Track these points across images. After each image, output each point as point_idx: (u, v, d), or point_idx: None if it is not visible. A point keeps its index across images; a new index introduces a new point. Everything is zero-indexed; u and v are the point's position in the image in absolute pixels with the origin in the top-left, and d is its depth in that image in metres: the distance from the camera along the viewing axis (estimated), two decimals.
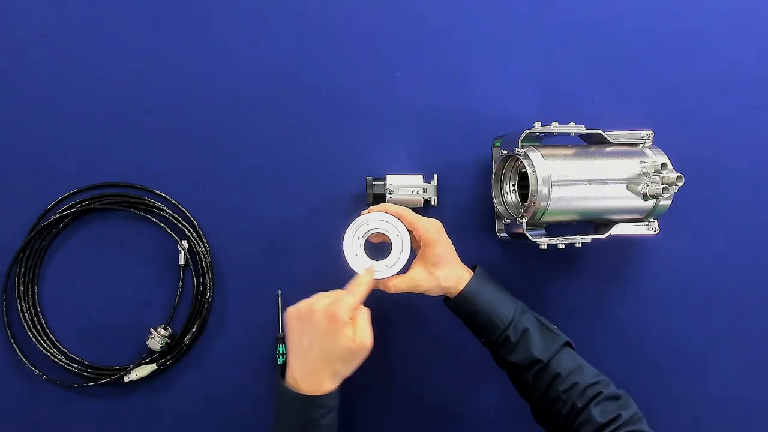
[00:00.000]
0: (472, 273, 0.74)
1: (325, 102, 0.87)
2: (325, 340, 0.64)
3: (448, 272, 0.72)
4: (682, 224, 0.86)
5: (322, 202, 0.86)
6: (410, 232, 0.73)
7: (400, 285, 0.71)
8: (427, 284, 0.72)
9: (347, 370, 0.66)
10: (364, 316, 0.67)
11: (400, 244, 0.72)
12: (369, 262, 0.72)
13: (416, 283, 0.71)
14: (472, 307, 0.72)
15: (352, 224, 0.73)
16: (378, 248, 0.75)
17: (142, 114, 0.86)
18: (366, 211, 0.74)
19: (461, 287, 0.72)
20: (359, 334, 0.65)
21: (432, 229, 0.72)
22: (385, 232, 0.73)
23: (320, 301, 0.66)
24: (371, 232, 0.73)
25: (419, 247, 0.74)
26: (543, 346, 0.71)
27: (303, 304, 0.67)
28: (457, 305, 0.73)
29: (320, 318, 0.64)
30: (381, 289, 0.72)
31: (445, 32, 0.87)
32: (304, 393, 0.64)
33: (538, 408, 0.72)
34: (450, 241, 0.75)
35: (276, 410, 0.67)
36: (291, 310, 0.67)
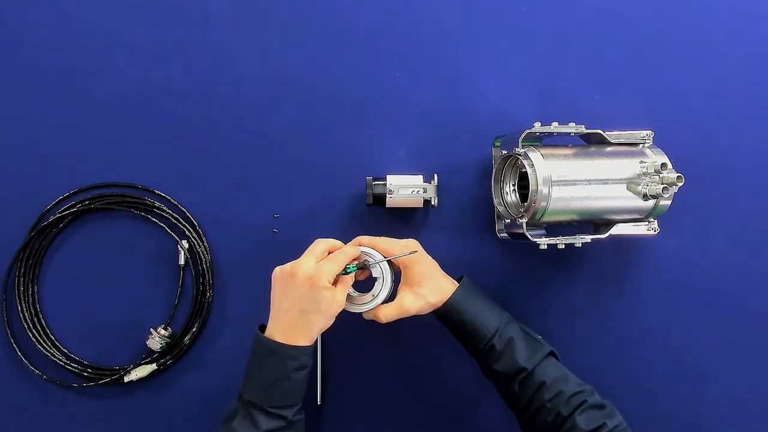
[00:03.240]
0: (458, 284, 0.75)
1: (325, 102, 0.87)
2: (304, 301, 0.69)
3: (432, 287, 0.73)
4: (682, 224, 0.86)
5: (322, 202, 0.86)
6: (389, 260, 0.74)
7: (390, 313, 0.72)
8: (417, 306, 0.72)
9: (321, 326, 0.70)
10: (344, 285, 0.72)
11: (380, 271, 0.73)
12: (357, 296, 0.73)
13: (405, 308, 0.72)
14: (459, 316, 0.73)
15: None
16: (368, 283, 0.75)
17: (142, 114, 0.86)
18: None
19: (447, 298, 0.73)
20: (337, 298, 0.70)
21: (407, 250, 0.73)
22: (365, 264, 0.74)
23: (304, 265, 0.69)
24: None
25: (400, 269, 0.75)
26: (528, 354, 0.72)
27: (288, 267, 0.70)
28: (443, 314, 0.74)
29: (301, 282, 0.68)
30: (373, 320, 0.73)
31: (445, 32, 0.87)
32: (279, 342, 0.68)
33: (525, 417, 0.73)
34: (429, 257, 0.75)
35: (249, 362, 0.71)
36: (276, 271, 0.72)
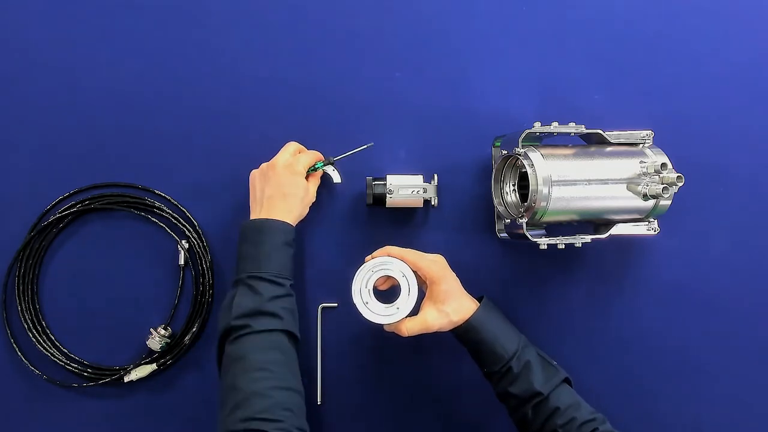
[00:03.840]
0: (478, 303, 0.75)
1: (325, 102, 0.87)
2: (284, 184, 0.77)
3: (456, 306, 0.73)
4: (682, 224, 0.86)
5: (322, 202, 0.86)
6: (415, 272, 0.73)
7: (413, 328, 0.72)
8: (440, 323, 0.72)
9: (299, 211, 0.79)
10: (315, 179, 0.83)
11: (407, 284, 0.73)
12: (380, 307, 0.73)
13: (428, 324, 0.72)
14: (478, 336, 0.73)
15: (357, 274, 0.73)
16: (388, 293, 0.75)
17: (143, 114, 0.86)
18: (369, 257, 0.75)
19: (468, 317, 0.73)
20: (310, 190, 0.81)
21: (436, 266, 0.73)
22: (391, 275, 0.74)
23: (282, 157, 0.79)
24: (377, 278, 0.74)
25: (425, 283, 0.74)
26: (544, 379, 0.72)
27: (266, 163, 0.79)
28: (463, 333, 0.73)
29: (281, 170, 0.77)
30: (395, 332, 0.73)
31: (445, 32, 0.87)
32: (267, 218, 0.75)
33: None
34: (454, 275, 0.75)
35: (241, 247, 0.75)
36: (255, 172, 0.80)
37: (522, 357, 0.72)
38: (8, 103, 0.86)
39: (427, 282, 0.74)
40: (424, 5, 0.87)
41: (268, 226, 0.75)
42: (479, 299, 0.76)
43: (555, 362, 0.75)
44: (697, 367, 0.87)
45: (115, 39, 0.86)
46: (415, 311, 0.73)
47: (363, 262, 0.74)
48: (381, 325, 0.74)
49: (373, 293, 0.73)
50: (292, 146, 0.81)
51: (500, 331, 0.74)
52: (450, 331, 0.75)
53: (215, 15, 0.87)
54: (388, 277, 0.74)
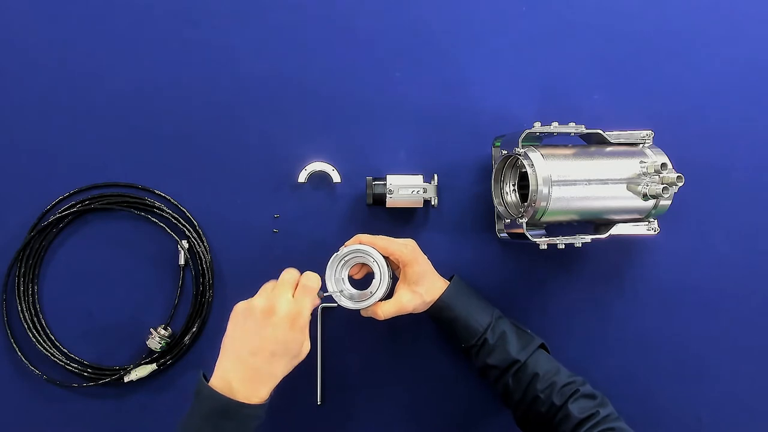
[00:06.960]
0: (449, 283, 0.76)
1: (326, 102, 0.87)
2: (279, 343, 0.63)
3: (428, 286, 0.75)
4: (682, 224, 0.86)
5: (322, 202, 0.86)
6: (386, 257, 0.74)
7: (388, 310, 0.73)
8: (414, 304, 0.73)
9: (282, 376, 0.65)
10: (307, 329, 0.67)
11: (379, 269, 0.74)
12: (355, 294, 0.74)
13: (403, 305, 0.73)
14: (451, 313, 0.74)
15: (329, 263, 0.74)
16: (363, 280, 0.76)
17: (143, 114, 0.86)
18: (343, 246, 0.75)
19: (440, 295, 0.75)
20: (306, 344, 0.67)
21: (406, 250, 0.74)
22: (363, 262, 0.75)
23: (283, 299, 0.64)
24: (349, 266, 0.75)
25: (398, 268, 0.75)
26: (520, 347, 0.74)
27: (262, 302, 0.64)
28: (436, 311, 0.75)
29: (280, 320, 0.63)
30: (371, 316, 0.74)
31: (445, 32, 0.87)
32: (241, 401, 0.61)
33: (519, 411, 0.74)
34: (425, 257, 0.77)
35: (194, 424, 0.61)
36: (242, 307, 0.65)
37: (496, 328, 0.74)
38: (8, 103, 0.86)
39: (400, 265, 0.75)
40: (424, 5, 0.87)
41: (242, 412, 0.60)
42: (450, 278, 0.78)
43: (529, 330, 0.77)
44: (697, 367, 0.87)
45: (115, 39, 0.86)
46: (390, 295, 0.74)
47: (337, 250, 0.75)
48: (357, 311, 0.75)
49: (348, 281, 0.75)
50: (291, 276, 0.68)
51: (472, 305, 0.75)
52: (425, 312, 0.76)
53: (215, 15, 0.87)
54: (363, 264, 0.75)
